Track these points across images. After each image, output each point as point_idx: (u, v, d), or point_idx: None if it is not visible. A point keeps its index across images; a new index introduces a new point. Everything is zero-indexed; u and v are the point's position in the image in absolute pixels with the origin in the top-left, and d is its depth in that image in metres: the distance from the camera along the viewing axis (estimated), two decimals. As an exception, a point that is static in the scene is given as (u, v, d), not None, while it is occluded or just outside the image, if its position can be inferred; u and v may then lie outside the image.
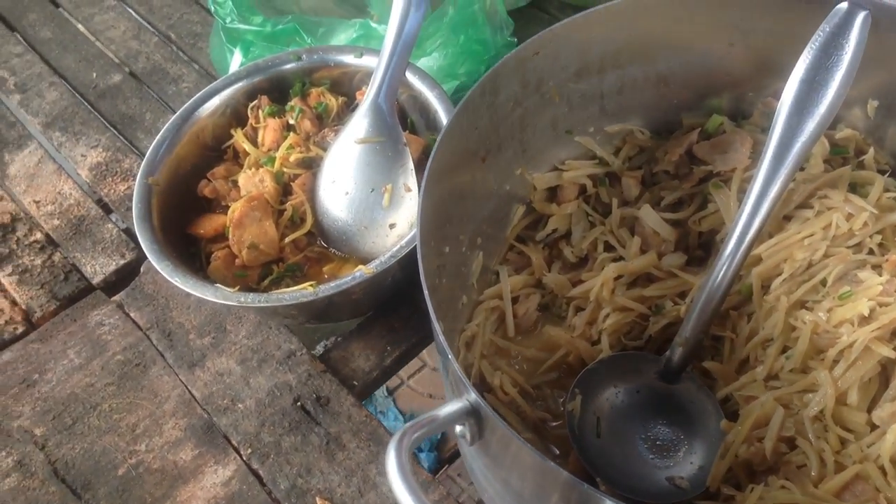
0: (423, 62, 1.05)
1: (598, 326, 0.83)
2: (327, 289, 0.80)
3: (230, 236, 0.89)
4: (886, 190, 0.80)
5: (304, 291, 0.81)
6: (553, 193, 0.91)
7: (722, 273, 0.76)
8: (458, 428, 0.60)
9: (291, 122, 0.96)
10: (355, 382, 0.90)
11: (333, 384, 0.89)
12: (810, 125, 0.75)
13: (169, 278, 0.85)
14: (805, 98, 0.76)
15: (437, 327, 0.60)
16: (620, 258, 0.87)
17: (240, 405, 0.88)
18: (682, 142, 0.88)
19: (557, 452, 0.79)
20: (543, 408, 0.83)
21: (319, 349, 0.97)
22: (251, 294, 0.81)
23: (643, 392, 0.81)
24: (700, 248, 0.87)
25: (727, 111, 0.89)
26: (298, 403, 0.88)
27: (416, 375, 1.96)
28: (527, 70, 0.78)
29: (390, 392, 1.96)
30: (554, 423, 0.82)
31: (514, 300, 0.87)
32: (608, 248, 0.88)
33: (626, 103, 0.88)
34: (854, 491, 0.66)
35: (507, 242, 0.89)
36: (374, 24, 1.02)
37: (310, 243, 0.93)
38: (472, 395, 0.56)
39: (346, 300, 0.85)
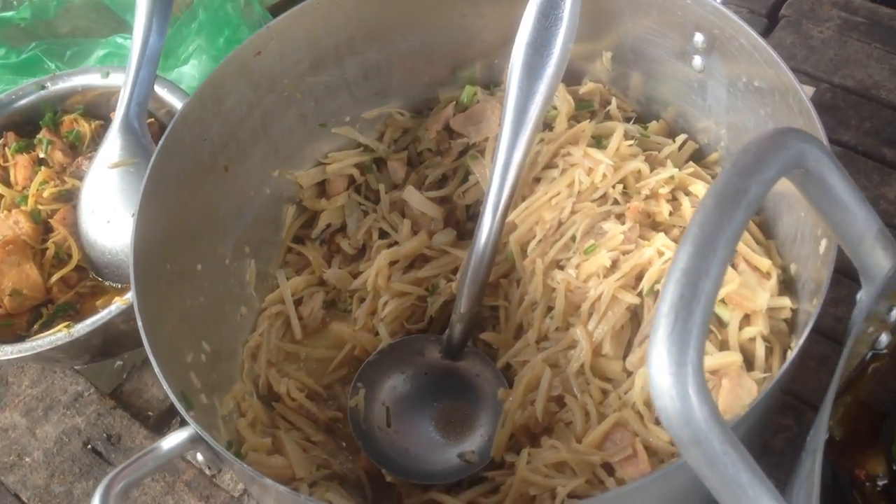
0: (184, 70, 1.01)
1: (379, 315, 0.83)
2: (83, 327, 0.77)
3: (-11, 286, 0.84)
4: (630, 137, 0.82)
5: (58, 335, 0.77)
6: (323, 188, 0.89)
7: (482, 244, 0.77)
8: (199, 456, 0.58)
9: (42, 155, 0.91)
10: (150, 413, 0.87)
11: (125, 419, 0.86)
12: (542, 86, 0.76)
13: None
14: (532, 61, 0.76)
15: (150, 352, 0.58)
16: (396, 243, 0.86)
17: (27, 459, 0.84)
18: (439, 117, 0.88)
19: (349, 453, 0.78)
20: (336, 406, 0.82)
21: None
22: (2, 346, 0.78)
23: (431, 374, 0.81)
24: (470, 221, 0.87)
25: (480, 81, 0.89)
26: (89, 446, 0.84)
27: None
28: (253, 72, 0.76)
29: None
30: (349, 421, 0.82)
31: (298, 302, 0.86)
32: (383, 234, 0.87)
33: (377, 87, 0.87)
34: (614, 439, 0.67)
35: (283, 245, 0.88)
36: (120, 41, 0.97)
37: (81, 278, 0.89)
38: (192, 425, 0.54)
39: (116, 333, 0.82)
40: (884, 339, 0.55)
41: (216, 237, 0.77)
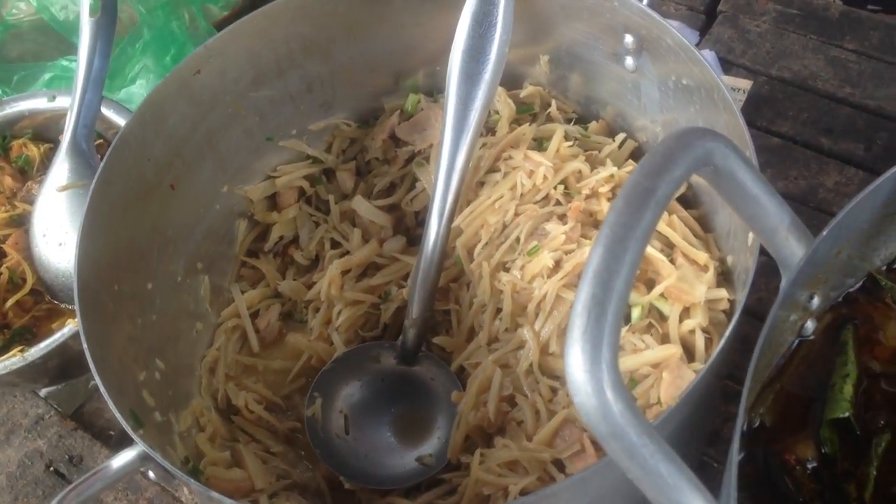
0: (132, 90, 1.02)
1: (333, 325, 0.84)
2: (37, 350, 0.78)
3: (-57, 314, 0.85)
4: (570, 138, 0.83)
5: (13, 359, 0.78)
6: (274, 201, 0.90)
7: (430, 250, 0.79)
8: (150, 473, 0.59)
9: (-10, 181, 0.92)
10: (111, 433, 0.88)
11: (86, 440, 0.86)
12: (480, 92, 0.78)
13: None
14: (469, 68, 0.78)
15: (96, 373, 0.59)
16: (348, 252, 0.87)
17: (-10, 485, 0.85)
18: (384, 126, 0.90)
19: (309, 462, 0.79)
20: (295, 416, 0.83)
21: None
22: (-44, 374, 0.78)
23: (387, 380, 0.83)
24: (419, 227, 0.88)
25: (424, 89, 0.91)
26: (51, 468, 0.85)
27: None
28: (194, 90, 0.77)
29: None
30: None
31: (255, 315, 0.87)
32: (335, 244, 0.89)
33: (322, 99, 0.88)
34: (563, 436, 0.69)
35: (237, 259, 0.89)
36: (66, 63, 0.98)
37: (37, 302, 0.89)
38: (140, 444, 0.55)
39: (73, 354, 0.82)
40: (809, 325, 0.57)
41: (166, 255, 0.78)
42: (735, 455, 0.43)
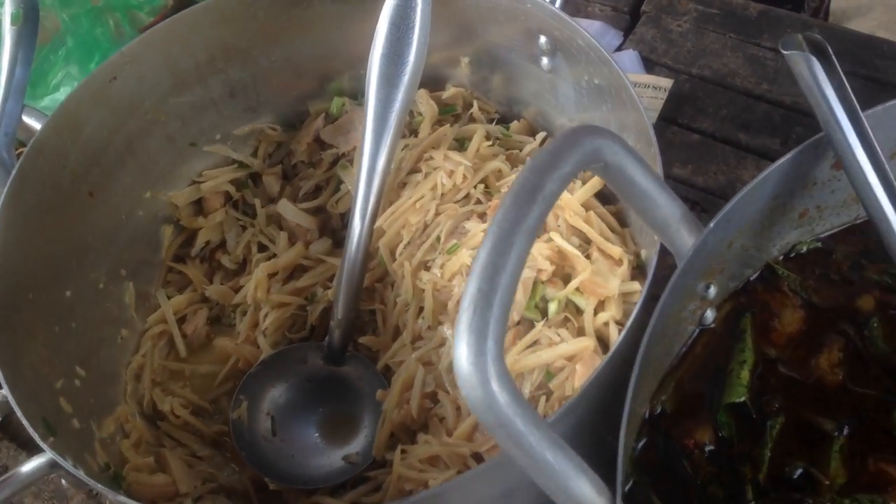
0: (57, 97, 1.01)
1: (261, 327, 0.85)
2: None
3: None
4: (492, 138, 0.85)
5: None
6: (200, 206, 0.90)
7: (353, 251, 0.79)
8: (63, 481, 0.59)
9: None
10: (38, 442, 0.87)
11: (12, 450, 0.85)
12: (399, 94, 0.79)
13: None
14: (388, 71, 0.79)
15: (4, 381, 0.58)
16: (275, 255, 0.88)
17: (-88, 499, 0.83)
18: (309, 130, 0.90)
19: (236, 465, 0.80)
20: (223, 420, 0.83)
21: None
22: None
23: (314, 380, 0.83)
24: (345, 229, 0.88)
25: (348, 92, 0.92)
26: (-24, 480, 0.84)
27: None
28: (110, 97, 0.77)
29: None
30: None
31: (182, 320, 0.87)
32: (262, 248, 0.89)
33: (245, 104, 0.89)
34: (482, 430, 0.70)
35: (164, 265, 0.88)
36: (-15, 71, 0.96)
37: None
38: (48, 452, 0.55)
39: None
40: (709, 314, 0.60)
41: (87, 263, 0.78)
42: (623, 440, 0.45)
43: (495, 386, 0.40)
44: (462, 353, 0.41)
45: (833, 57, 0.51)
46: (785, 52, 0.51)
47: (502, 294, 0.42)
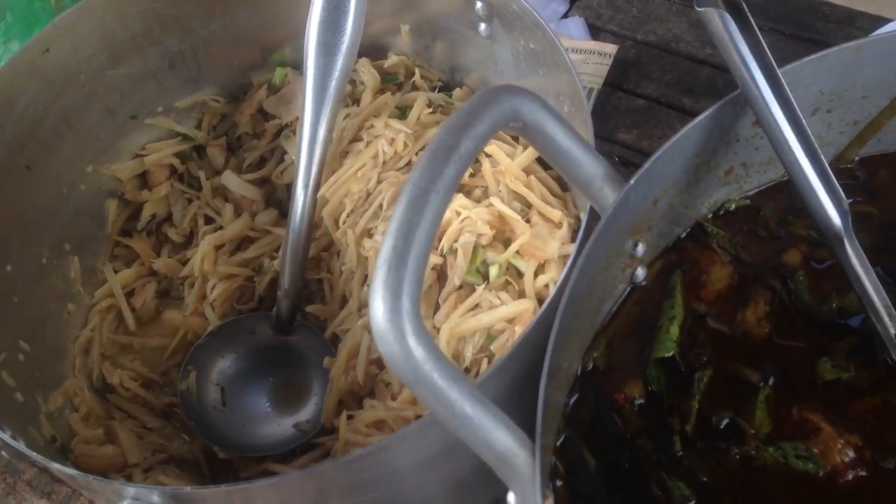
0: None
1: (208, 299, 0.85)
2: None
3: None
4: (436, 106, 0.85)
5: None
6: (144, 180, 0.90)
7: (297, 220, 0.80)
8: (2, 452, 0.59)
9: None
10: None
11: (-39, 429, 0.85)
12: (339, 63, 0.79)
13: None
14: (326, 39, 0.79)
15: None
16: (222, 227, 0.88)
17: None
18: (252, 101, 0.90)
19: (186, 435, 0.80)
20: (172, 392, 0.83)
21: None
22: None
23: (263, 350, 0.84)
24: (290, 200, 0.89)
25: (290, 62, 0.91)
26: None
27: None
28: (44, 70, 0.76)
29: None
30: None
31: (130, 294, 0.87)
32: (209, 220, 0.89)
33: (186, 76, 0.88)
34: (425, 392, 0.71)
35: (110, 239, 0.88)
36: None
37: None
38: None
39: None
40: (640, 272, 0.61)
41: (27, 237, 0.77)
42: (543, 391, 0.46)
43: (411, 341, 0.41)
44: (378, 310, 0.41)
45: (748, 14, 0.52)
46: (699, 9, 0.51)
47: (417, 251, 0.42)
